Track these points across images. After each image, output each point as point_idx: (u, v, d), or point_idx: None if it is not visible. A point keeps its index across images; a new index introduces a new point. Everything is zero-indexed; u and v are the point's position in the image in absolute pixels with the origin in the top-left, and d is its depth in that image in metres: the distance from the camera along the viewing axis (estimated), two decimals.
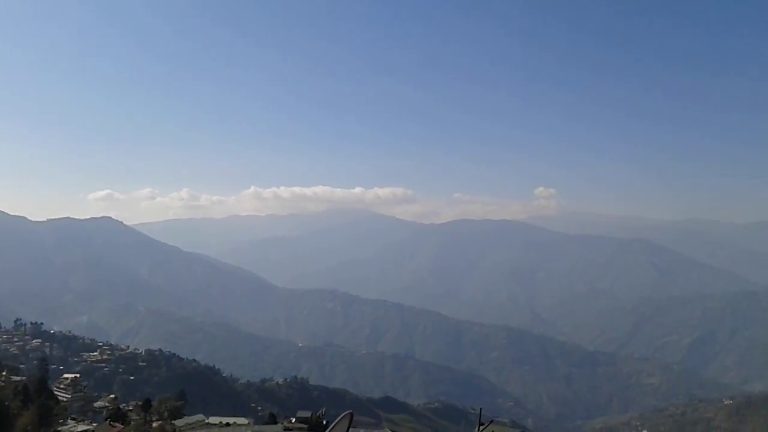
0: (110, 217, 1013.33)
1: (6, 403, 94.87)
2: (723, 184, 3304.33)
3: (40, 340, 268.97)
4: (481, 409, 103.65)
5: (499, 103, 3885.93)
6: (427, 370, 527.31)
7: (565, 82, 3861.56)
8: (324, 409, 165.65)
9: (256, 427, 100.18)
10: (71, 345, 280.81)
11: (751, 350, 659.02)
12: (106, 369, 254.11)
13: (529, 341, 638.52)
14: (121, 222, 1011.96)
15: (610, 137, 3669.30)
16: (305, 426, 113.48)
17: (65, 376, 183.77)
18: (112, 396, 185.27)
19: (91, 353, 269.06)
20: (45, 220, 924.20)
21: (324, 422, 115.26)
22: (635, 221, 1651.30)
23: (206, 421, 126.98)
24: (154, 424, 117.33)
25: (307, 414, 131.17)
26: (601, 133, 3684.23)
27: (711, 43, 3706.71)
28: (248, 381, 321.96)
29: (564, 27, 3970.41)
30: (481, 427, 75.98)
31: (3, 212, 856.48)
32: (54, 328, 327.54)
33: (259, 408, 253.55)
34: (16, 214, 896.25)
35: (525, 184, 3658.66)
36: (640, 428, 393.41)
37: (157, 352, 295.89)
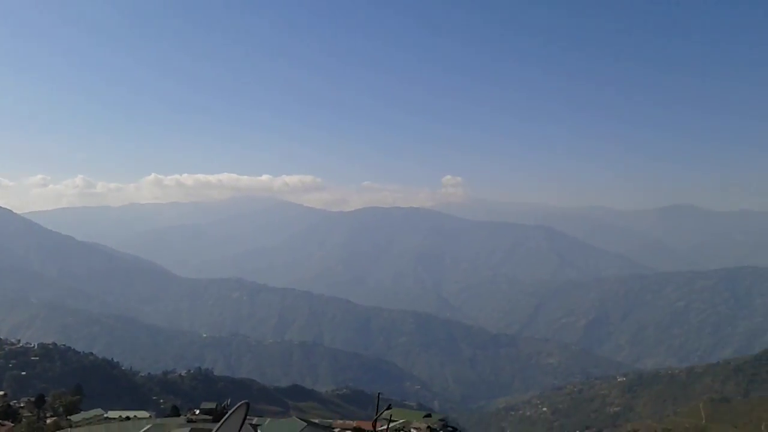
0: None
1: None
2: (617, 173, 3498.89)
3: None
4: (379, 394, 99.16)
5: (406, 93, 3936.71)
6: (336, 357, 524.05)
7: (470, 70, 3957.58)
8: (229, 400, 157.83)
9: (158, 420, 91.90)
10: None
11: (642, 330, 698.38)
12: None
13: (436, 326, 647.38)
14: (11, 210, 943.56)
15: (515, 127, 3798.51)
16: (210, 418, 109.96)
17: None
18: (2, 393, 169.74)
19: None
20: None
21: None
22: (538, 209, 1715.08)
23: (105, 415, 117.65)
24: (48, 421, 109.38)
25: (211, 405, 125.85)
26: (506, 123, 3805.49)
27: (615, 30, 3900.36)
28: (149, 374, 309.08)
29: (469, 15, 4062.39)
30: (383, 412, 73.63)
31: None
32: None
33: (162, 401, 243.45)
34: None
35: (433, 172, 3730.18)
36: (540, 406, 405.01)
37: (51, 346, 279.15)
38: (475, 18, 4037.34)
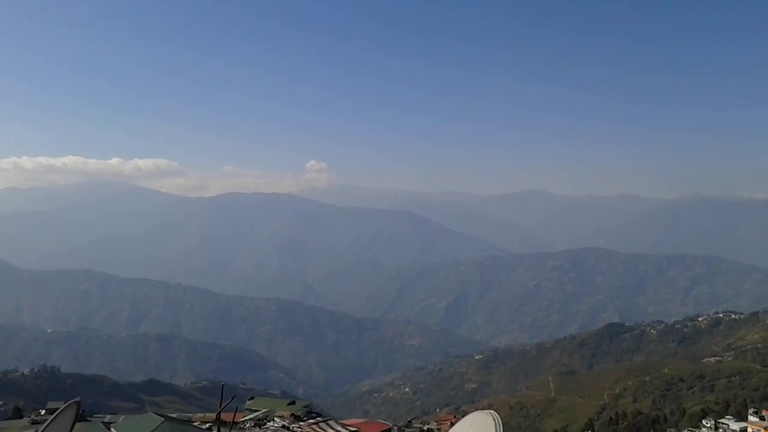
0: None
1: None
2: (476, 160, 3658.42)
3: None
4: (223, 386, 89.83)
5: (267, 78, 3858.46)
6: (195, 348, 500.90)
7: (331, 58, 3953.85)
8: (78, 398, 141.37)
9: None
10: None
11: (498, 309, 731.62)
12: None
13: (300, 312, 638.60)
14: None
15: (379, 114, 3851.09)
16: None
17: None
18: None
19: None
20: None
21: (81, 411, 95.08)
22: (402, 194, 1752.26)
23: None
24: None
25: (58, 405, 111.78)
26: (370, 110, 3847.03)
27: (479, 15, 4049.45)
28: None
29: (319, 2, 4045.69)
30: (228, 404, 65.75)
31: None
32: None
33: (2, 403, 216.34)
34: None
35: (297, 157, 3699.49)
36: (402, 387, 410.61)
37: None
38: (322, 6, 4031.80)
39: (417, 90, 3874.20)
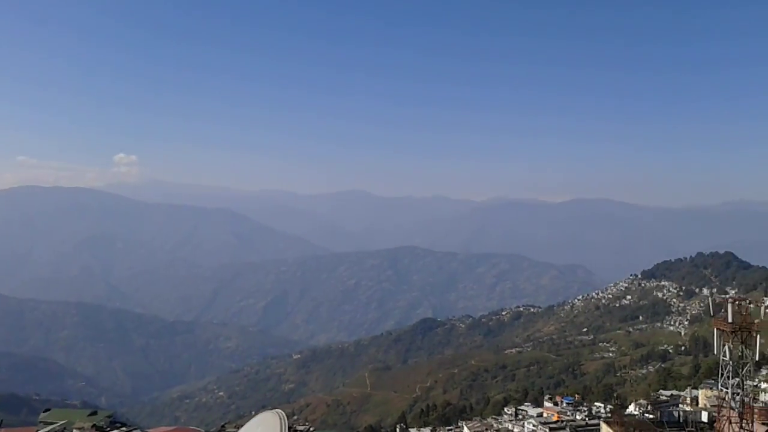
0: None
1: None
2: (295, 159, 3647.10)
3: None
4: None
5: (63, 65, 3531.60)
6: None
7: (134, 45, 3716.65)
8: None
9: None
10: None
11: (317, 308, 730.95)
12: None
13: (105, 316, 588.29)
14: None
15: (192, 104, 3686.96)
16: None
17: None
18: None
19: None
20: None
21: None
22: (219, 191, 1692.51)
23: None
24: None
25: None
26: (181, 99, 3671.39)
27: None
28: None
29: None
30: None
31: None
32: None
33: None
34: None
35: (103, 150, 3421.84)
36: (216, 391, 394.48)
37: None
38: None
39: (230, 78, 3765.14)
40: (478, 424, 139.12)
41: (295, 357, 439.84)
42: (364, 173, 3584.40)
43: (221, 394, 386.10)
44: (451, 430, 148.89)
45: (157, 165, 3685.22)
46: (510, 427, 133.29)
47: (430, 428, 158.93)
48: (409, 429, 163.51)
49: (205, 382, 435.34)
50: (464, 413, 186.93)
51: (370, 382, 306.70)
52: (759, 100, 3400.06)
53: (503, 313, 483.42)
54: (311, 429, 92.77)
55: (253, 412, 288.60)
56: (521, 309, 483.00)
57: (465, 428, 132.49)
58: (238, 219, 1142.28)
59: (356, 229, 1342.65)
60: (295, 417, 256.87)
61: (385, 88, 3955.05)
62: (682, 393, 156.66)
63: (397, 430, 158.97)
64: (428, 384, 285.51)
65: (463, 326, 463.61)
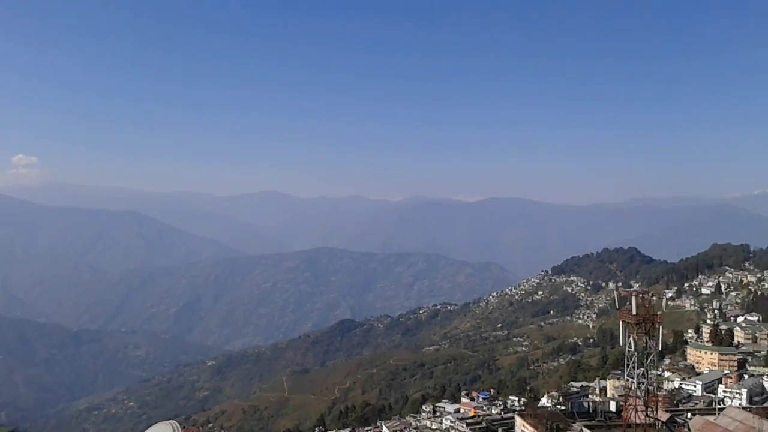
0: None
1: None
2: (207, 159, 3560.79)
3: None
4: None
5: None
6: None
7: (37, 42, 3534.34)
8: None
9: None
10: None
11: (232, 312, 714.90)
12: None
13: (4, 327, 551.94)
14: None
15: (94, 103, 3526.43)
16: None
17: None
18: None
19: None
20: None
21: None
22: (125, 193, 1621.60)
23: None
24: None
25: None
26: (84, 97, 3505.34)
27: None
28: None
29: None
30: None
31: None
32: None
33: None
34: None
35: (1, 151, 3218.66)
36: (126, 401, 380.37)
37: None
38: None
39: (135, 76, 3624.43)
40: (397, 423, 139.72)
41: (209, 363, 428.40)
42: (279, 174, 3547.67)
43: (131, 404, 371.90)
44: (369, 430, 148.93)
45: (59, 166, 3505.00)
46: (428, 424, 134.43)
47: (349, 429, 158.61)
48: (328, 431, 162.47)
49: (114, 392, 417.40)
50: (383, 413, 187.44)
51: (287, 386, 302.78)
52: (663, 105, 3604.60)
53: (420, 311, 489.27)
54: None
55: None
56: (438, 307, 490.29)
57: (384, 428, 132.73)
58: (147, 221, 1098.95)
59: (272, 230, 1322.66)
60: (210, 425, 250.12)
61: (295, 80, 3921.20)
62: (591, 384, 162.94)
63: None
64: (347, 385, 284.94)
65: (381, 326, 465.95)
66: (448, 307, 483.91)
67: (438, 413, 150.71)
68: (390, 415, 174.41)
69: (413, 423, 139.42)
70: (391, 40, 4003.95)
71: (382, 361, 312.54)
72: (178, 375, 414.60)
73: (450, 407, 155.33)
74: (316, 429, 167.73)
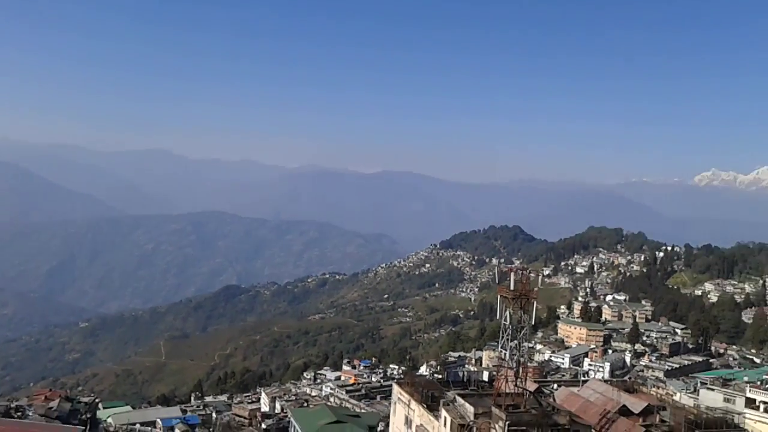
0: None
1: None
2: (94, 108, 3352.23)
3: None
4: None
5: None
6: None
7: None
8: None
9: None
10: None
11: (110, 273, 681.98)
12: None
13: None
14: None
15: None
16: None
17: None
18: None
19: None
20: None
21: None
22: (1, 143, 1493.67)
23: None
24: None
25: None
26: None
27: None
28: None
29: None
30: None
31: None
32: None
33: None
34: None
35: None
36: None
37: None
38: None
39: (20, 24, 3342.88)
40: (277, 390, 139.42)
41: (82, 325, 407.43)
42: (172, 134, 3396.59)
43: None
44: (248, 396, 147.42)
45: None
46: (308, 391, 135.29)
47: (227, 395, 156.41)
48: (205, 397, 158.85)
49: None
50: (263, 379, 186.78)
51: (165, 350, 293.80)
52: (557, 97, 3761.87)
53: (309, 280, 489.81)
54: (97, 400, 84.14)
55: (32, 384, 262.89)
56: (327, 276, 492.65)
57: (263, 394, 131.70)
58: (19, 173, 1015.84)
59: (157, 190, 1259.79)
60: (80, 388, 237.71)
61: (194, 40, 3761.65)
62: (468, 354, 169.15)
63: (192, 398, 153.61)
64: (228, 351, 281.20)
65: (268, 293, 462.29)
66: (337, 277, 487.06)
67: (319, 380, 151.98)
68: (270, 382, 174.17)
69: (293, 390, 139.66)
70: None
71: (266, 328, 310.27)
72: (47, 336, 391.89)
73: (331, 374, 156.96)
74: (192, 395, 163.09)
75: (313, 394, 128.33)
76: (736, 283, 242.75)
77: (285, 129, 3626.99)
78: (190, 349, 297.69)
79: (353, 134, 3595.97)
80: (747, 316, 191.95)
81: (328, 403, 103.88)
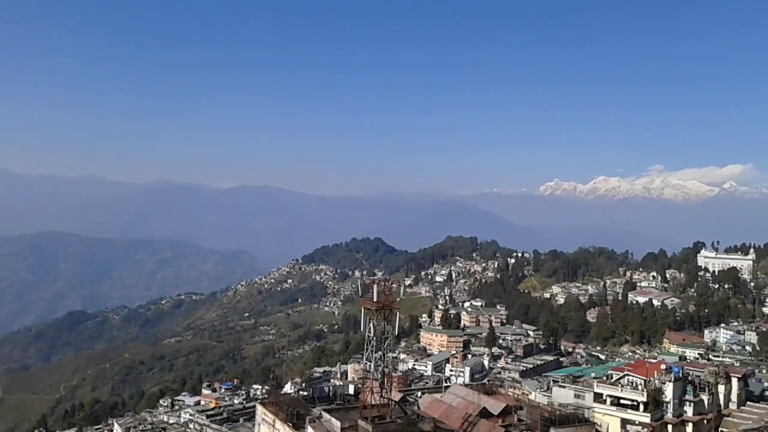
0: None
1: None
2: None
3: None
4: None
5: None
6: None
7: None
8: None
9: None
10: None
11: None
12: None
13: None
14: None
15: None
16: None
17: None
18: None
19: None
20: None
21: None
22: None
23: None
24: None
25: None
26: None
27: None
28: None
29: None
30: None
31: None
32: None
33: None
34: None
35: None
36: None
37: None
38: None
39: None
40: (131, 420, 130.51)
41: None
42: (3, 149, 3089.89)
43: None
44: (99, 428, 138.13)
45: None
46: (166, 419, 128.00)
47: (76, 429, 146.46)
48: None
49: None
50: (115, 410, 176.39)
51: (2, 385, 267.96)
52: (398, 107, 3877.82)
53: (163, 302, 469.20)
54: None
55: None
56: (183, 297, 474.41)
57: (115, 425, 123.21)
58: None
59: None
60: None
61: (18, 38, 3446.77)
62: (333, 368, 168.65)
63: None
64: (75, 382, 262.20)
65: (117, 318, 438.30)
66: (194, 297, 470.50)
67: (177, 407, 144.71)
68: (123, 412, 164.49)
69: (149, 419, 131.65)
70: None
71: (117, 355, 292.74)
72: None
73: (190, 400, 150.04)
74: (36, 430, 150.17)
75: (171, 421, 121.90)
76: (580, 285, 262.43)
77: (132, 142, 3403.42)
78: (31, 381, 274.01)
79: (208, 148, 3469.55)
80: (591, 316, 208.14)
81: (188, 430, 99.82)
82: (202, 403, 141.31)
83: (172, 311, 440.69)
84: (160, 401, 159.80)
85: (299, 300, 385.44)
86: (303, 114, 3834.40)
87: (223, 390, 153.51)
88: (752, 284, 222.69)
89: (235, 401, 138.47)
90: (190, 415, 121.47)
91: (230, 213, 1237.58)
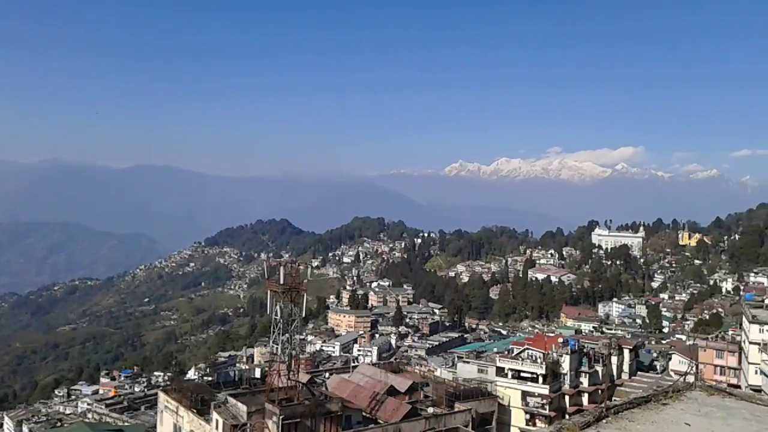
0: None
1: None
2: None
3: None
4: None
5: None
6: None
7: None
8: None
9: None
10: None
11: None
12: None
13: None
14: None
15: None
16: None
17: None
18: None
19: None
20: None
21: None
22: None
23: None
24: None
25: None
26: None
27: None
28: None
29: None
30: None
31: None
32: None
33: None
34: None
35: None
36: None
37: None
38: None
39: None
40: (23, 412, 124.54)
41: None
42: None
43: None
44: None
45: None
46: (61, 409, 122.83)
47: None
48: None
49: None
50: (6, 402, 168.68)
51: None
52: (305, 88, 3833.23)
53: (56, 288, 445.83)
54: None
55: None
56: (77, 283, 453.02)
57: (6, 418, 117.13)
58: None
59: None
60: None
61: None
62: (239, 353, 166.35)
63: None
64: None
65: (6, 305, 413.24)
66: (89, 283, 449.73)
67: (74, 397, 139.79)
68: (15, 404, 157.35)
69: (43, 410, 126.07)
70: None
71: (6, 344, 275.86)
72: None
73: (87, 389, 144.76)
74: None
75: (68, 412, 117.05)
76: (483, 263, 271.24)
77: (17, 120, 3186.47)
78: None
79: (101, 127, 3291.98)
80: (494, 293, 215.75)
81: (86, 420, 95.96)
82: (101, 392, 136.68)
83: (66, 297, 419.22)
84: (55, 391, 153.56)
85: (202, 284, 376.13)
86: (203, 98, 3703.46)
87: (122, 378, 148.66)
88: (642, 260, 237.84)
89: (136, 389, 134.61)
90: (88, 404, 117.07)
91: (127, 194, 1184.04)
